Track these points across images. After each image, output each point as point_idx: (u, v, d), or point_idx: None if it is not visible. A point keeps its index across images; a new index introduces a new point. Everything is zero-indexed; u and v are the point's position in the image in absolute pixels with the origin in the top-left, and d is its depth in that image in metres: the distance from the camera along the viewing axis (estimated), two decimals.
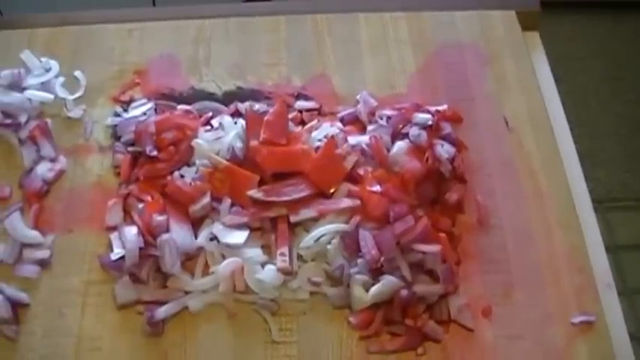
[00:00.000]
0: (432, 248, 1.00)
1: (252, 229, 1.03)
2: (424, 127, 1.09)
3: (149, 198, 1.05)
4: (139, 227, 1.01)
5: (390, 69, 1.22)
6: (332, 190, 1.04)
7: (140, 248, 0.99)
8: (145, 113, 1.14)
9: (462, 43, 1.26)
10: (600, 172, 2.08)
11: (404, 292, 0.98)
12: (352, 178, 1.06)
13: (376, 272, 0.99)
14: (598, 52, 2.31)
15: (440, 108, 1.14)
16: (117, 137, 1.14)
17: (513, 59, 1.24)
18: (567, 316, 1.00)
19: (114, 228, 1.05)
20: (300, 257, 1.02)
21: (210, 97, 1.18)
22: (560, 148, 1.16)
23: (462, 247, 1.05)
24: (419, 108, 1.13)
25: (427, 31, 1.27)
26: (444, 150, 1.08)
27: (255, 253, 1.01)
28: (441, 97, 1.18)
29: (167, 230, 1.01)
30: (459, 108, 1.16)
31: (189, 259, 1.02)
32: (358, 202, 1.03)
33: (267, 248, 1.02)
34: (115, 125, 1.15)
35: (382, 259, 0.99)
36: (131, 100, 1.18)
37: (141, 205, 1.04)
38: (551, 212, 1.09)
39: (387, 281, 0.98)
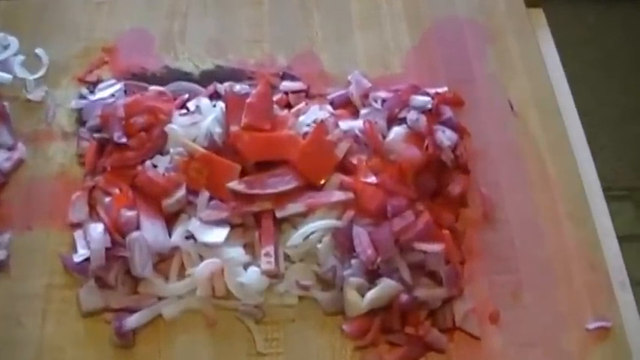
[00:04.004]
0: (435, 247, 0.87)
1: (233, 226, 0.91)
2: (423, 111, 0.97)
3: (117, 191, 0.93)
4: (105, 224, 0.90)
5: (384, 46, 1.11)
6: (322, 182, 0.93)
7: (107, 249, 0.88)
8: (113, 95, 1.02)
9: (460, 18, 1.15)
10: None
11: (404, 297, 0.86)
12: (344, 167, 0.94)
13: (372, 274, 0.88)
14: (589, 38, 2.23)
15: (440, 90, 1.02)
16: (82, 122, 1.02)
17: (516, 36, 1.13)
18: (581, 320, 0.89)
19: (78, 225, 0.93)
20: (287, 257, 0.91)
21: (186, 77, 1.07)
22: (568, 132, 1.04)
23: (465, 244, 0.94)
24: (416, 90, 1.00)
25: (423, 5, 1.16)
26: (446, 136, 0.96)
27: (237, 253, 0.89)
28: (440, 78, 1.07)
29: (137, 228, 0.90)
30: (459, 90, 1.05)
31: (163, 260, 0.91)
32: (351, 194, 0.91)
33: (249, 247, 0.91)
34: (80, 109, 1.03)
35: (379, 259, 0.87)
36: (98, 81, 1.06)
37: (108, 199, 0.93)
38: (561, 203, 0.98)
39: (385, 285, 0.86)
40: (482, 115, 1.04)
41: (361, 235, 0.87)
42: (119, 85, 1.03)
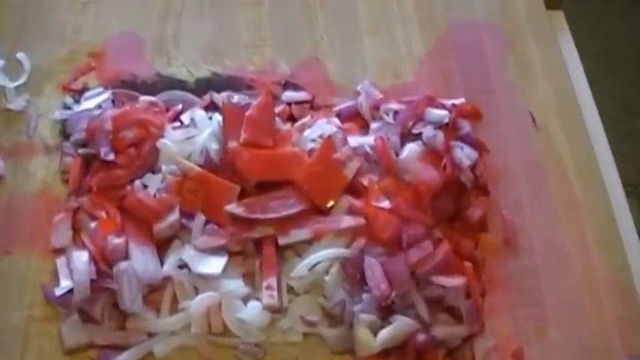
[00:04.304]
0: (455, 282, 0.79)
1: (231, 254, 0.83)
2: (439, 125, 0.87)
3: (103, 214, 0.85)
4: (90, 252, 0.81)
5: (395, 52, 1.02)
6: (329, 205, 0.84)
7: (92, 280, 0.79)
8: (100, 106, 0.94)
9: (478, 21, 1.05)
10: None
11: (421, 337, 0.77)
12: (354, 189, 0.85)
13: (386, 310, 0.79)
14: (590, 29, 2.14)
15: (456, 102, 0.93)
16: (66, 135, 0.93)
17: (537, 42, 1.03)
18: (613, 357, 0.80)
19: (61, 250, 0.84)
20: (290, 289, 0.82)
21: (180, 85, 0.99)
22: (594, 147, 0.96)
23: (485, 273, 0.84)
24: (431, 102, 0.91)
25: (438, 7, 1.07)
26: (464, 154, 0.87)
27: (236, 285, 0.81)
28: (456, 87, 0.98)
29: (126, 256, 0.81)
30: (476, 100, 0.95)
31: (154, 290, 0.82)
32: (362, 220, 0.83)
33: (249, 277, 0.82)
34: (64, 120, 0.94)
35: (393, 294, 0.78)
36: (84, 89, 0.98)
37: (93, 224, 0.84)
38: (588, 226, 0.89)
39: (400, 323, 0.77)
40: (502, 129, 0.95)
41: (374, 267, 0.78)
42: (107, 94, 0.94)
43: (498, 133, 0.94)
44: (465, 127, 0.90)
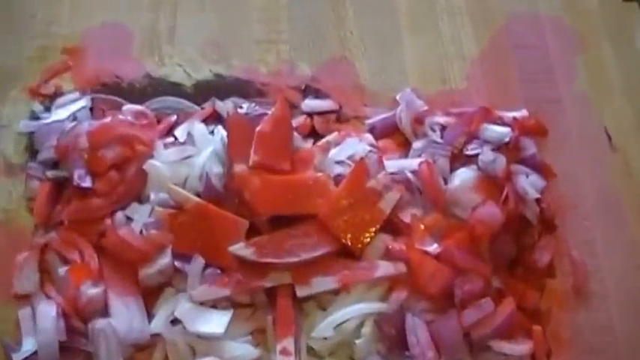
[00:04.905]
0: (521, 348, 0.69)
1: (237, 307, 0.74)
2: (498, 145, 0.76)
3: (76, 256, 0.77)
4: (59, 306, 0.73)
5: (442, 52, 0.93)
6: (361, 245, 0.75)
7: (61, 341, 0.72)
8: (75, 116, 0.85)
9: (540, 16, 0.96)
10: None
11: None
12: (393, 227, 0.76)
13: None
14: None
15: (518, 114, 0.82)
16: (32, 152, 0.85)
17: (613, 43, 0.94)
18: None
19: (25, 297, 0.76)
20: (311, 351, 0.73)
21: (175, 89, 0.90)
22: None
23: (551, 328, 0.77)
24: (489, 115, 0.80)
25: None
26: (529, 183, 0.76)
27: (243, 348, 0.72)
28: (515, 96, 0.89)
29: (104, 310, 0.73)
30: (540, 112, 0.85)
31: (141, 350, 0.74)
32: (403, 267, 0.73)
33: (259, 335, 0.74)
34: (31, 133, 0.86)
35: None
36: (57, 94, 0.89)
37: (64, 269, 0.74)
38: None
39: None
40: (571, 149, 0.85)
41: (418, 330, 0.68)
42: (84, 101, 0.87)
43: (567, 153, 0.85)
44: (530, 147, 0.80)
